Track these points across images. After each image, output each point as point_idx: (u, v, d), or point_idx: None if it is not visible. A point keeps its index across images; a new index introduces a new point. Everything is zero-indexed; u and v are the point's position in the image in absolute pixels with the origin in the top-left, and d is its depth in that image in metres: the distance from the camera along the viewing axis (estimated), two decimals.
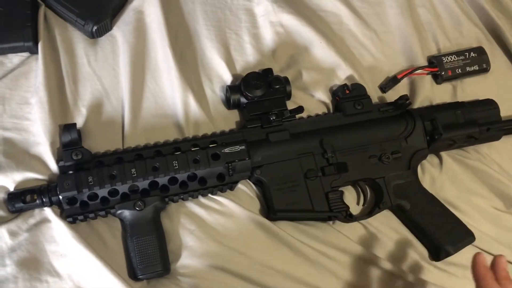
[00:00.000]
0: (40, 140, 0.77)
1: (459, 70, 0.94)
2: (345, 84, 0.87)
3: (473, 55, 0.95)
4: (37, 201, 0.72)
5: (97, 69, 0.85)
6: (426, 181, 0.86)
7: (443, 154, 0.89)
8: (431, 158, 0.89)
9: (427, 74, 0.94)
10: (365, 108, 0.85)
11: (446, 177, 0.87)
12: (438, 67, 0.94)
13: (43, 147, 0.77)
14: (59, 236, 0.72)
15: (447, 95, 0.95)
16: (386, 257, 0.80)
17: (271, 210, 0.78)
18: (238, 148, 0.77)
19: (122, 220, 0.75)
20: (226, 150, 0.77)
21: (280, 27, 0.93)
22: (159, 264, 0.72)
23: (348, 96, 0.86)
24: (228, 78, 0.88)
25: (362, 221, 0.82)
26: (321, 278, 0.77)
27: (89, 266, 0.71)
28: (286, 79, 0.84)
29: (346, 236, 0.80)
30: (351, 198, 0.85)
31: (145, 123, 0.83)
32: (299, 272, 0.76)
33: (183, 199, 0.78)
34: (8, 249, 0.71)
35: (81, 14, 0.84)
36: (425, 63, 0.96)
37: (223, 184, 0.78)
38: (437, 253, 0.81)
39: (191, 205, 0.78)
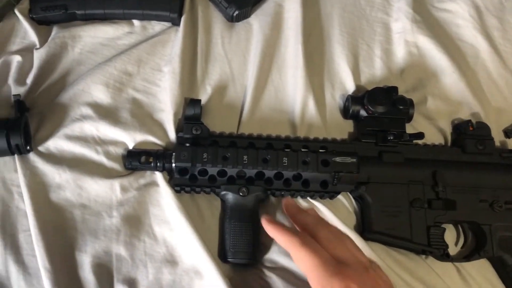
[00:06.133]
0: (165, 108, 0.81)
1: None
2: (470, 121, 0.84)
3: None
4: (152, 164, 0.75)
5: (228, 52, 0.87)
6: None
7: None
8: None
9: None
10: (486, 149, 0.82)
11: None
12: None
13: (167, 115, 0.80)
14: (164, 201, 0.76)
15: None
16: None
17: (368, 230, 0.77)
18: (349, 159, 0.76)
19: (223, 201, 0.77)
20: (337, 159, 0.76)
21: (414, 48, 0.91)
22: (250, 253, 0.73)
23: (471, 133, 0.82)
24: (350, 88, 0.88)
25: (457, 264, 0.79)
26: None
27: (185, 237, 0.73)
28: (411, 101, 0.82)
29: (438, 274, 0.77)
30: (450, 236, 0.81)
31: (262, 113, 0.84)
32: None
33: (283, 195, 0.78)
34: (117, 202, 0.75)
35: None
36: None
37: (325, 191, 0.77)
38: None
39: None
